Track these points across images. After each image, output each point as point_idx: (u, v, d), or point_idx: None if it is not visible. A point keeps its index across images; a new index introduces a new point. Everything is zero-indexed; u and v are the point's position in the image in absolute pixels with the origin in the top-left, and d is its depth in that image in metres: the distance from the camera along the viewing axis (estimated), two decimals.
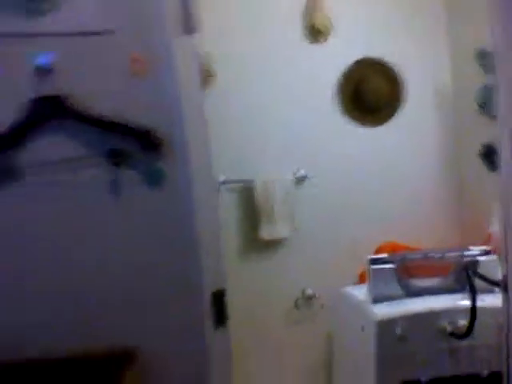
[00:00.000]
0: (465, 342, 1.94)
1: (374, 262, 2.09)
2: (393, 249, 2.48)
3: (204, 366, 1.56)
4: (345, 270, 2.81)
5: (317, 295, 3.17)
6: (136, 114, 1.42)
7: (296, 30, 2.97)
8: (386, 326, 1.93)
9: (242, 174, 3.00)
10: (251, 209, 3.07)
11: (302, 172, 3.09)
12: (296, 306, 3.19)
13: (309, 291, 3.20)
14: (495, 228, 1.78)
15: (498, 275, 1.71)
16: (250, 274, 3.16)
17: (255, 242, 3.10)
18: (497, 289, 1.87)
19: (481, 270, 2.06)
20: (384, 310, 1.98)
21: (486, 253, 2.15)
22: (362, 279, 2.51)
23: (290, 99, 3.04)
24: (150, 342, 1.52)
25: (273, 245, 3.16)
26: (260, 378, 3.11)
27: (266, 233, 3.10)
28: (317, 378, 3.21)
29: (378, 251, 2.45)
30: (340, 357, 2.42)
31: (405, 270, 2.11)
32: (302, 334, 3.22)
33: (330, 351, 2.95)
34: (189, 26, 1.48)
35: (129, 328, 1.52)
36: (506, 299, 1.65)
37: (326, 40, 2.97)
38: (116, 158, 1.39)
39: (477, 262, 2.09)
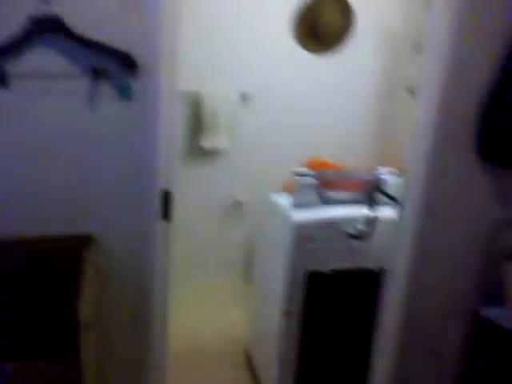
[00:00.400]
0: (361, 243, 2.39)
1: (299, 174, 2.46)
2: (320, 164, 2.79)
3: (151, 251, 1.92)
4: (273, 181, 3.16)
5: (245, 201, 3.57)
6: (117, 38, 1.67)
7: None
8: (301, 228, 2.33)
9: (192, 86, 3.23)
10: (196, 119, 3.34)
11: (247, 89, 3.36)
12: (225, 210, 3.58)
13: (239, 197, 3.59)
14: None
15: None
16: (191, 178, 3.49)
17: (197, 151, 3.41)
18: (395, 203, 2.28)
19: (386, 188, 2.49)
20: (301, 215, 2.38)
21: (393, 174, 2.57)
22: (285, 189, 2.87)
23: (249, 22, 3.24)
24: (107, 230, 1.84)
25: (213, 154, 3.48)
26: (191, 268, 3.53)
27: (207, 142, 3.40)
28: (240, 267, 3.69)
29: (307, 165, 2.76)
30: (261, 252, 2.82)
31: (323, 183, 2.51)
32: (231, 233, 3.64)
33: (253, 249, 3.38)
34: None
35: (90, 217, 1.83)
36: (400, 211, 2.10)
37: None
38: (96, 74, 1.66)
39: (383, 180, 2.51)
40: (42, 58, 1.64)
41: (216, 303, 3.48)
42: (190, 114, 3.34)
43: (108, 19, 1.66)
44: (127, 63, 1.69)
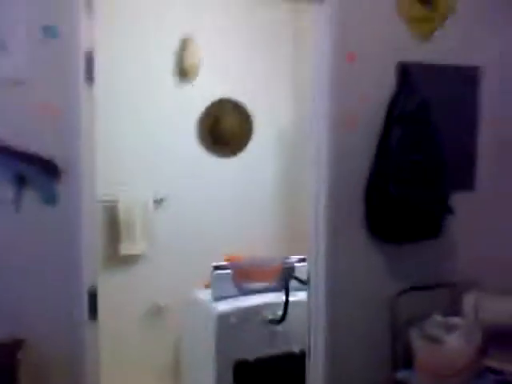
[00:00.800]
0: (281, 328, 2.54)
1: (216, 268, 2.62)
2: (236, 258, 2.98)
3: (81, 352, 1.96)
4: (194, 280, 3.25)
5: (168, 305, 3.61)
6: (43, 147, 1.82)
7: (169, 69, 3.40)
8: (223, 318, 2.46)
9: (108, 191, 3.34)
10: (113, 226, 3.43)
11: (162, 194, 3.52)
12: (147, 316, 3.59)
13: (160, 302, 3.62)
14: None
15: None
16: (110, 285, 3.49)
17: (116, 257, 3.46)
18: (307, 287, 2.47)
19: (297, 274, 2.70)
20: (222, 306, 2.52)
21: (301, 260, 2.79)
22: (207, 286, 3.00)
23: (160, 129, 3.46)
24: (36, 334, 1.88)
25: (131, 259, 3.54)
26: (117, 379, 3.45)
27: (125, 249, 3.48)
28: (168, 373, 3.63)
29: (225, 260, 2.91)
30: (187, 351, 2.88)
31: (239, 275, 2.68)
32: (154, 339, 3.63)
33: (179, 351, 3.40)
34: (90, 76, 1.93)
35: (18, 322, 1.86)
36: (308, 291, 2.29)
37: (192, 80, 3.46)
38: (19, 180, 1.79)
39: (293, 267, 2.73)
40: None
41: None
42: (106, 221, 3.43)
43: (30, 129, 1.81)
44: (49, 169, 1.83)
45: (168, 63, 3.43)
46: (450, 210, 2.31)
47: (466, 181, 2.45)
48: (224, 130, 3.59)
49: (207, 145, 3.60)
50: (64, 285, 1.92)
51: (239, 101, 3.60)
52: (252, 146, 3.70)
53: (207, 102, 3.53)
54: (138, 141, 3.43)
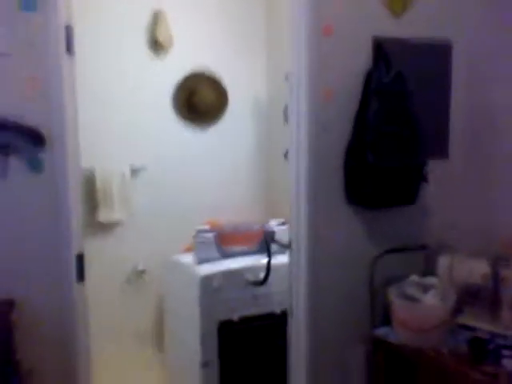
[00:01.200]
0: (263, 289, 2.61)
1: (199, 232, 2.67)
2: (217, 224, 3.04)
3: (70, 313, 2.00)
4: (174, 246, 3.30)
5: (148, 269, 3.66)
6: (28, 117, 1.83)
7: (142, 43, 3.41)
8: (206, 281, 2.52)
9: (85, 163, 3.35)
10: (91, 194, 3.43)
11: (139, 164, 3.54)
12: (128, 280, 3.64)
13: (140, 267, 3.67)
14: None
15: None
16: (90, 251, 3.50)
17: (94, 224, 3.48)
18: (287, 250, 2.54)
19: (278, 238, 2.76)
20: (205, 269, 2.57)
21: (281, 224, 2.86)
22: (187, 251, 3.05)
23: (135, 102, 3.47)
24: (26, 296, 1.92)
25: (111, 226, 3.56)
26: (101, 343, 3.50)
27: (103, 216, 3.49)
28: (150, 336, 3.70)
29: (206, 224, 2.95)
30: (170, 314, 2.94)
31: (221, 239, 2.73)
32: (136, 303, 3.68)
33: (160, 313, 3.45)
34: (70, 49, 1.94)
35: (8, 286, 1.90)
36: (290, 256, 2.36)
37: (166, 53, 3.46)
38: (5, 149, 1.79)
39: (274, 231, 2.79)
40: None
41: (131, 374, 3.45)
42: (84, 190, 3.43)
43: (14, 100, 1.83)
44: (34, 138, 1.84)
45: (141, 37, 3.44)
46: (424, 178, 2.40)
47: (440, 149, 2.53)
48: (199, 102, 3.62)
49: (183, 116, 3.63)
50: (52, 249, 1.96)
51: (213, 73, 3.63)
52: (228, 117, 3.74)
53: (181, 75, 3.55)
54: (113, 113, 3.44)
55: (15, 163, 1.84)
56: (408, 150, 2.29)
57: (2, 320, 1.70)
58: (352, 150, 2.29)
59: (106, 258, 3.49)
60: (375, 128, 2.22)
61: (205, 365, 2.53)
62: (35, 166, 1.85)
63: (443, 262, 2.38)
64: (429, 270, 2.42)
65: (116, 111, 3.44)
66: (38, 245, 1.93)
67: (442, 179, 2.50)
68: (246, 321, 2.61)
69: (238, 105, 3.74)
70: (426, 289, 2.21)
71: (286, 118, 3.42)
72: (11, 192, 1.86)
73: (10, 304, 1.82)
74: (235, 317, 2.58)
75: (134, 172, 3.55)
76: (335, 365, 2.43)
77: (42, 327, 1.96)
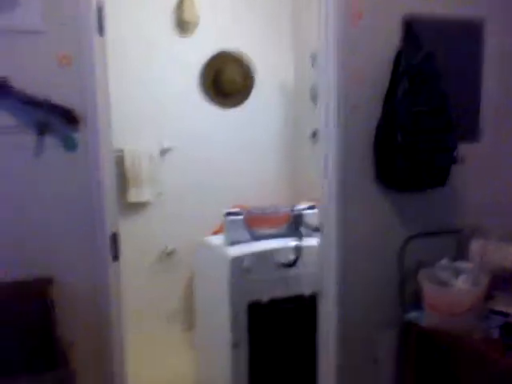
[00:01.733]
0: (292, 272, 2.62)
1: (229, 214, 2.68)
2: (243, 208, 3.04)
3: (105, 291, 2.04)
4: (202, 227, 3.33)
5: (178, 249, 3.70)
6: (61, 96, 1.85)
7: (169, 23, 3.42)
8: (236, 262, 2.53)
9: (114, 143, 3.38)
10: (121, 175, 3.47)
11: (167, 143, 3.56)
12: (158, 261, 3.68)
13: (170, 247, 3.71)
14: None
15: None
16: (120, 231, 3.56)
17: (125, 204, 3.52)
18: (316, 233, 2.54)
19: (306, 221, 2.76)
20: (235, 250, 2.58)
21: (310, 208, 2.86)
22: (216, 233, 3.07)
23: (163, 82, 3.48)
24: (65, 272, 1.96)
25: (140, 207, 3.60)
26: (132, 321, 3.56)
27: (133, 196, 3.53)
28: (179, 316, 3.75)
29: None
30: (200, 294, 2.97)
31: (251, 221, 2.74)
32: (165, 283, 3.73)
33: (190, 293, 3.49)
34: (101, 29, 1.95)
35: (45, 264, 1.94)
36: (320, 239, 2.36)
37: (193, 33, 3.47)
38: (41, 128, 1.81)
39: (302, 214, 2.78)
40: None
41: (160, 352, 3.51)
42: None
43: (51, 78, 1.85)
44: (69, 117, 1.86)
45: (168, 17, 3.46)
46: (456, 160, 2.36)
47: (472, 131, 2.49)
48: (226, 82, 3.61)
49: (210, 97, 3.63)
50: (87, 228, 1.99)
51: (240, 52, 3.62)
52: (254, 97, 3.74)
53: (208, 55, 3.56)
54: (141, 94, 3.47)
55: (50, 142, 1.86)
56: (438, 131, 2.26)
57: (42, 296, 1.74)
58: (382, 131, 2.26)
59: (135, 239, 3.53)
60: (405, 108, 2.19)
61: (235, 345, 2.56)
62: (69, 144, 1.87)
63: (475, 246, 2.35)
64: (461, 254, 2.40)
65: (144, 92, 3.46)
66: (74, 223, 1.97)
67: (473, 161, 2.45)
68: (275, 303, 2.62)
69: (265, 85, 3.73)
70: (457, 273, 2.19)
71: (312, 98, 3.42)
72: (47, 171, 1.89)
73: (48, 281, 1.86)
74: (264, 298, 2.59)
75: (163, 152, 3.57)
76: (365, 348, 2.43)
77: (79, 304, 1.99)
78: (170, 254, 3.72)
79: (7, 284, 1.81)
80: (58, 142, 1.87)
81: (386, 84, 2.26)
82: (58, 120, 1.84)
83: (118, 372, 2.10)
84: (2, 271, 1.86)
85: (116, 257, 2.08)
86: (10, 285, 1.81)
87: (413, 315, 2.29)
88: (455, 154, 2.32)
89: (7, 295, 1.76)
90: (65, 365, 1.25)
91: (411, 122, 2.20)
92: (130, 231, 3.49)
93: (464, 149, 2.36)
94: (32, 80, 1.83)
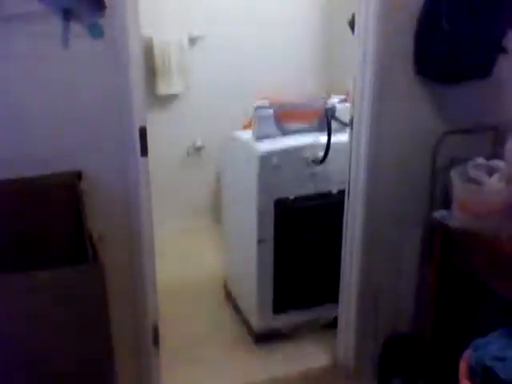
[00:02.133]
0: (321, 168, 2.59)
1: (259, 108, 2.61)
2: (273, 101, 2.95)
3: (135, 185, 2.05)
4: (232, 122, 3.27)
5: (206, 144, 3.69)
6: None
7: None
8: (265, 158, 2.51)
9: (142, 32, 3.28)
10: (149, 65, 3.40)
11: (196, 34, 3.44)
12: (186, 155, 3.69)
13: (198, 143, 3.71)
14: (351, 85, 2.34)
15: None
16: (149, 124, 3.55)
17: (153, 96, 3.48)
18: (347, 128, 2.48)
19: (338, 115, 2.68)
20: (264, 146, 2.55)
21: (342, 101, 2.76)
22: (245, 128, 3.02)
23: None
24: (94, 167, 1.97)
25: (169, 99, 3.56)
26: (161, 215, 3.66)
27: (162, 89, 3.48)
28: (207, 209, 3.83)
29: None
30: (228, 190, 2.98)
31: (281, 115, 2.67)
32: (193, 176, 3.78)
33: (218, 188, 3.53)
34: None
35: (75, 157, 1.95)
36: (351, 134, 2.31)
37: None
38: (67, 14, 1.74)
39: (335, 108, 2.70)
40: (11, 2, 1.71)
41: (190, 246, 3.63)
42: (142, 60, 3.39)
43: None
44: (95, 3, 1.78)
45: None
46: (504, 50, 2.22)
47: None
48: None
49: None
50: (115, 121, 1.97)
51: None
52: None
53: None
54: None
55: (76, 29, 1.79)
56: (488, 18, 2.10)
57: (72, 189, 1.77)
58: (426, 15, 2.12)
59: (164, 134, 3.53)
60: None
61: (261, 241, 2.60)
62: (96, 32, 1.80)
63: (511, 144, 2.27)
64: (497, 152, 2.32)
65: None
66: (102, 116, 1.94)
67: None
68: (303, 199, 2.62)
69: None
70: (491, 172, 2.13)
71: None
72: (73, 60, 1.83)
73: (78, 175, 1.88)
74: (292, 195, 2.59)
75: (192, 41, 3.46)
76: (390, 246, 2.45)
77: (108, 199, 2.02)
78: (198, 149, 3.72)
79: (37, 177, 1.83)
80: (85, 28, 1.80)
81: None
82: (85, 6, 1.75)
83: (148, 266, 2.17)
84: (30, 166, 1.87)
85: (145, 151, 2.07)
86: (40, 178, 1.83)
87: (441, 214, 2.26)
88: (504, 42, 2.17)
89: (37, 186, 1.78)
90: (94, 258, 1.28)
91: (458, 7, 2.05)
92: (159, 125, 3.48)
93: None
94: None
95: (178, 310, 3.03)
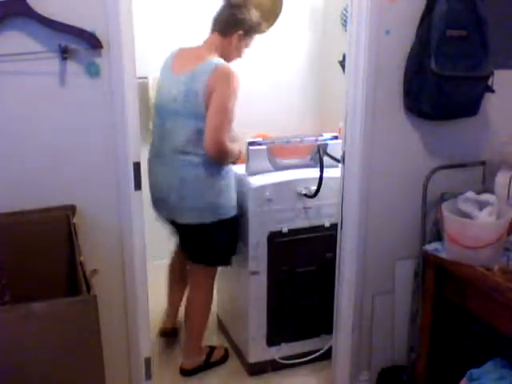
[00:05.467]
0: (314, 202, 2.62)
1: (251, 144, 2.66)
2: (265, 137, 3.00)
3: (128, 220, 2.07)
4: None
5: None
6: (83, 21, 1.82)
7: None
8: (258, 192, 2.54)
9: (138, 72, 3.35)
10: (144, 104, 3.44)
11: None
12: None
13: None
14: (342, 122, 2.39)
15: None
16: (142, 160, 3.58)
17: (147, 132, 3.50)
18: (339, 164, 2.52)
19: (330, 151, 2.73)
20: (257, 180, 2.58)
21: (334, 138, 2.81)
22: (241, 161, 3.04)
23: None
24: (87, 201, 2.00)
25: None
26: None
27: None
28: None
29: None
30: None
31: (274, 150, 2.72)
32: None
33: None
34: None
35: (68, 192, 1.97)
36: (343, 169, 2.34)
37: None
38: (64, 53, 1.79)
39: (327, 144, 2.75)
40: (10, 41, 1.77)
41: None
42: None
43: (73, 3, 1.81)
44: (92, 42, 1.83)
45: None
46: (490, 89, 2.28)
47: (509, 58, 2.39)
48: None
49: None
50: (109, 156, 2.00)
51: None
52: (282, 22, 3.59)
53: None
54: (165, 20, 3.35)
55: (73, 68, 1.84)
56: (475, 58, 2.17)
57: (65, 222, 1.78)
58: (414, 57, 2.19)
59: None
60: (441, 32, 2.10)
61: (254, 273, 2.61)
62: (92, 70, 1.85)
63: (501, 178, 2.31)
64: (486, 187, 2.37)
65: (167, 17, 3.37)
66: (96, 152, 1.98)
67: (507, 90, 2.37)
68: (295, 232, 2.64)
69: (293, 9, 3.58)
70: (481, 206, 2.16)
71: (343, 23, 3.28)
72: (70, 98, 1.88)
73: (71, 208, 1.90)
74: (285, 228, 2.61)
75: None
76: (383, 278, 2.46)
77: (102, 233, 2.04)
78: None
79: (30, 211, 1.85)
80: (81, 68, 1.85)
81: (423, 5, 2.16)
82: (81, 45, 1.81)
83: (140, 299, 2.17)
84: (24, 200, 1.89)
85: (138, 185, 2.09)
86: (33, 211, 1.85)
87: (433, 246, 2.29)
88: (490, 81, 2.24)
89: (31, 220, 1.80)
90: (87, 290, 1.29)
91: (446, 46, 2.12)
92: None
93: (498, 75, 2.26)
94: (52, 3, 1.79)
95: (171, 342, 3.01)
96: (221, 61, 2.42)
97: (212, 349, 2.86)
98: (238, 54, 2.62)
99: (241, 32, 2.53)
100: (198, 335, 2.75)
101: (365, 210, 2.34)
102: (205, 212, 2.46)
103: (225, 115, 2.36)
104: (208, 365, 2.80)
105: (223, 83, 2.35)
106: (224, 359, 2.88)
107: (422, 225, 2.39)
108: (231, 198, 2.53)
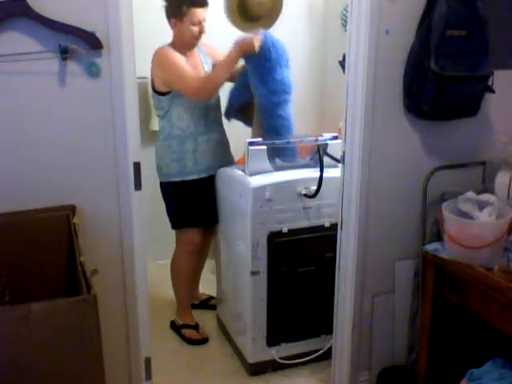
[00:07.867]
0: (314, 202, 2.62)
1: (251, 144, 2.66)
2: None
3: (128, 220, 2.07)
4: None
5: None
6: (84, 20, 1.82)
7: None
8: (258, 191, 2.54)
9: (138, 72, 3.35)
10: (144, 103, 3.45)
11: None
12: None
13: None
14: (342, 122, 2.39)
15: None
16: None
17: (147, 133, 3.51)
18: (339, 164, 2.51)
19: (329, 151, 2.73)
20: (257, 180, 2.58)
21: (334, 138, 2.81)
22: (239, 162, 3.05)
23: None
24: (88, 201, 2.00)
25: None
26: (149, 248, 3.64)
27: (156, 124, 3.51)
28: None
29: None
30: (221, 223, 3.00)
31: (274, 150, 2.72)
32: None
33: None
34: None
35: (68, 192, 1.98)
36: (343, 169, 2.34)
37: None
38: (64, 54, 1.79)
39: (327, 144, 2.75)
40: (10, 41, 1.77)
41: None
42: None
43: (73, 3, 1.81)
44: (92, 42, 1.83)
45: None
46: (490, 89, 2.28)
47: (509, 58, 2.40)
48: (253, 3, 3.45)
49: (235, 19, 3.48)
50: (109, 156, 2.00)
51: None
52: (281, 22, 3.58)
53: None
54: (165, 22, 3.34)
55: (73, 68, 1.84)
56: (475, 58, 2.17)
57: (65, 222, 1.78)
58: (414, 57, 2.19)
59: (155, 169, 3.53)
60: (441, 32, 2.10)
61: (254, 273, 2.61)
62: (92, 71, 1.85)
63: (501, 178, 2.31)
64: (486, 187, 2.37)
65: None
66: (96, 152, 1.98)
67: (507, 90, 2.37)
68: (295, 232, 2.64)
69: (293, 9, 3.57)
70: (481, 206, 2.16)
71: (343, 23, 3.28)
72: (70, 98, 1.88)
73: (71, 209, 1.90)
74: (285, 228, 2.61)
75: None
76: (383, 278, 2.46)
77: (102, 233, 2.05)
78: None
79: (30, 211, 1.85)
80: (82, 68, 1.85)
81: (423, 4, 2.16)
82: (81, 45, 1.81)
83: (140, 299, 2.17)
84: (24, 200, 1.90)
85: (138, 185, 2.09)
86: (33, 211, 1.85)
87: (433, 246, 2.29)
88: (490, 81, 2.24)
89: (31, 220, 1.80)
90: (87, 290, 1.30)
91: (446, 46, 2.12)
92: (151, 161, 3.50)
93: (498, 75, 2.27)
94: (52, 3, 1.79)
95: (171, 343, 3.01)
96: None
97: (194, 327, 3.05)
98: (191, 34, 2.78)
99: (173, 20, 2.76)
100: (177, 297, 3.07)
101: (365, 210, 2.34)
102: (158, 171, 2.95)
103: (179, 80, 2.72)
104: (178, 332, 3.07)
105: (154, 64, 2.80)
106: (191, 342, 3.02)
107: (422, 225, 2.39)
108: (171, 161, 2.87)
